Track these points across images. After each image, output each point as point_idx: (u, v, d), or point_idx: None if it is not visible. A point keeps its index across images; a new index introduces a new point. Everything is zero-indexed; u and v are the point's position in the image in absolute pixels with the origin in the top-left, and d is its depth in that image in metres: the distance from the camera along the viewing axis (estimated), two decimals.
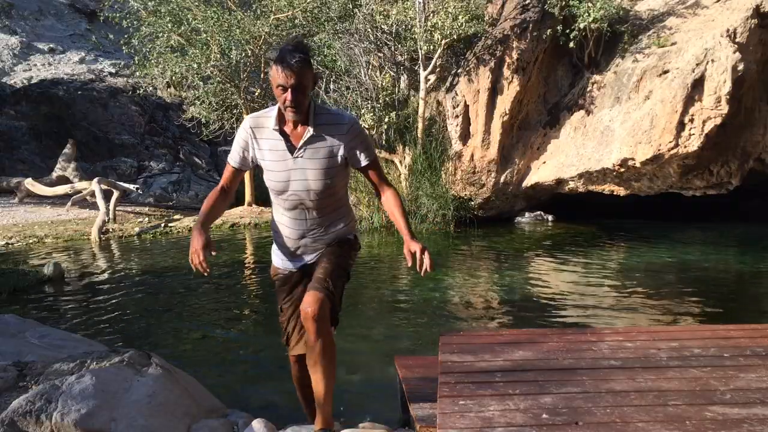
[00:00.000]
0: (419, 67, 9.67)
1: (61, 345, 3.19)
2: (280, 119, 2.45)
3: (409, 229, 2.46)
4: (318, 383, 2.41)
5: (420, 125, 9.71)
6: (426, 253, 2.36)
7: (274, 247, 2.68)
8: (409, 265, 2.36)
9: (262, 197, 12.23)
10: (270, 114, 2.48)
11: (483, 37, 9.37)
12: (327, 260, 2.52)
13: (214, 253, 2.39)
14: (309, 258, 2.60)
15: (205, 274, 2.38)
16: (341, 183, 2.53)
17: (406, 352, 4.08)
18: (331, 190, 2.48)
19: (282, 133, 2.44)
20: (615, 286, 6.03)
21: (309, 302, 2.35)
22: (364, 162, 2.49)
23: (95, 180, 10.57)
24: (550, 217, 9.93)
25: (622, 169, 8.45)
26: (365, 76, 10.20)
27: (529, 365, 2.50)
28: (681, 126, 7.94)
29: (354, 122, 2.48)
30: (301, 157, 2.42)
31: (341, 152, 2.44)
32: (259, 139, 2.47)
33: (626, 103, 8.56)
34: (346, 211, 2.63)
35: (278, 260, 2.67)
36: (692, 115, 7.90)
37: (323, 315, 2.34)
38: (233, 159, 2.54)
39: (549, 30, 9.00)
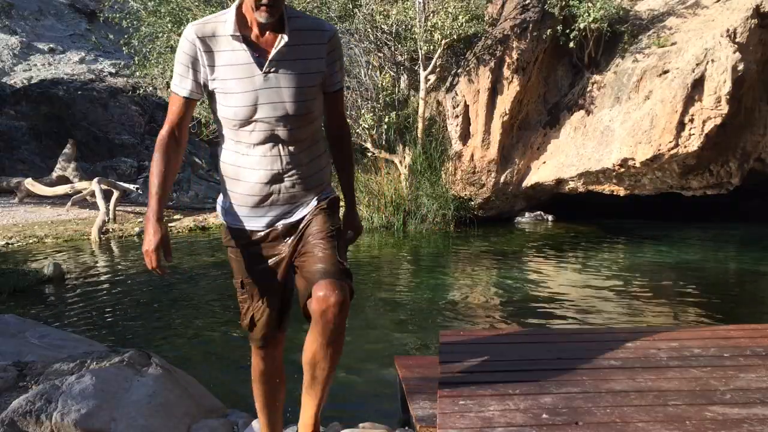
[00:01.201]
0: (419, 67, 9.67)
1: (61, 345, 3.19)
2: (240, 23, 1.88)
3: (353, 196, 2.16)
4: (316, 387, 1.95)
5: (420, 125, 9.71)
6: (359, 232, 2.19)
7: (226, 202, 2.06)
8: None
9: None
10: (223, 18, 1.90)
11: (483, 37, 9.37)
12: (329, 232, 1.99)
13: (168, 263, 1.92)
14: (282, 213, 2.01)
15: (164, 276, 1.95)
16: (318, 108, 2.02)
17: (406, 352, 4.08)
18: (310, 116, 1.97)
19: (246, 40, 1.88)
20: (615, 286, 6.03)
21: (330, 290, 1.82)
22: (337, 85, 2.03)
23: (95, 180, 10.56)
24: (550, 217, 9.92)
25: (622, 169, 8.44)
26: (365, 76, 10.20)
27: (529, 365, 2.50)
28: (681, 126, 7.93)
29: (335, 32, 2.01)
30: (274, 71, 1.88)
31: (320, 67, 1.95)
32: (213, 52, 1.88)
33: (626, 103, 8.56)
34: (325, 146, 2.12)
35: (235, 219, 2.04)
36: (692, 115, 7.90)
37: (345, 309, 1.85)
38: (181, 86, 1.92)
39: (549, 30, 9.00)
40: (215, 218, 10.48)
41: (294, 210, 2.02)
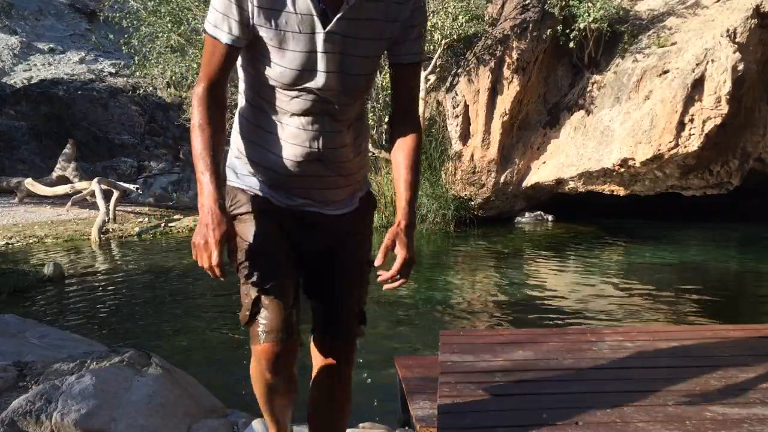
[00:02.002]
0: None
1: (61, 345, 3.19)
2: None
3: (411, 207, 1.58)
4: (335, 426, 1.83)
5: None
6: (409, 268, 1.57)
7: (247, 161, 1.64)
8: (378, 263, 1.55)
9: None
10: None
11: (483, 37, 9.37)
12: (359, 265, 1.71)
13: (231, 263, 1.59)
14: (313, 200, 1.64)
15: (221, 279, 1.49)
16: (373, 81, 1.69)
17: (406, 352, 4.08)
18: (367, 92, 1.63)
19: None
20: (615, 286, 6.03)
21: (346, 354, 1.74)
22: (415, 57, 1.60)
23: (95, 180, 10.56)
24: (550, 217, 9.92)
25: (622, 169, 8.44)
26: None
27: (529, 365, 2.50)
28: (681, 126, 7.94)
29: None
30: (340, 32, 1.47)
31: (393, 31, 1.54)
32: None
33: (626, 103, 8.56)
34: (367, 123, 1.74)
35: (258, 183, 1.64)
36: (692, 115, 7.90)
37: (350, 373, 1.79)
38: (221, 28, 1.47)
39: (549, 30, 9.00)
40: None
41: (328, 197, 1.65)
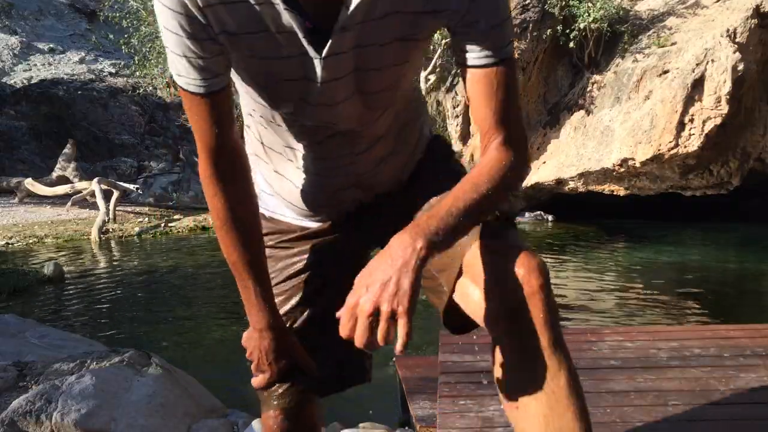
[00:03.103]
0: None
1: (61, 345, 3.19)
2: None
3: (439, 219, 0.94)
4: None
5: None
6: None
7: (262, 179, 1.23)
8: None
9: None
10: None
11: None
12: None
13: (309, 371, 1.19)
14: (353, 204, 1.21)
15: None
16: (412, 72, 1.10)
17: (406, 352, 4.07)
18: (406, 87, 1.13)
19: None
20: (615, 286, 6.03)
21: (531, 267, 1.02)
22: (488, 58, 1.01)
23: (95, 180, 10.57)
24: (550, 217, 9.92)
25: (622, 169, 8.45)
26: None
27: None
28: (681, 126, 7.94)
29: None
30: (342, 51, 0.96)
31: (434, 27, 1.02)
32: (224, 3, 0.91)
33: (626, 103, 8.56)
34: (418, 94, 1.26)
35: (280, 207, 1.23)
36: (692, 115, 7.91)
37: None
38: (191, 76, 0.97)
39: (549, 30, 9.00)
40: None
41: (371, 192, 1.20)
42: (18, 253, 8.10)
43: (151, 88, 13.98)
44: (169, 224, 10.01)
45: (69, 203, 10.85)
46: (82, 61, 17.27)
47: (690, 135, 7.95)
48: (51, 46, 17.42)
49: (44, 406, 2.27)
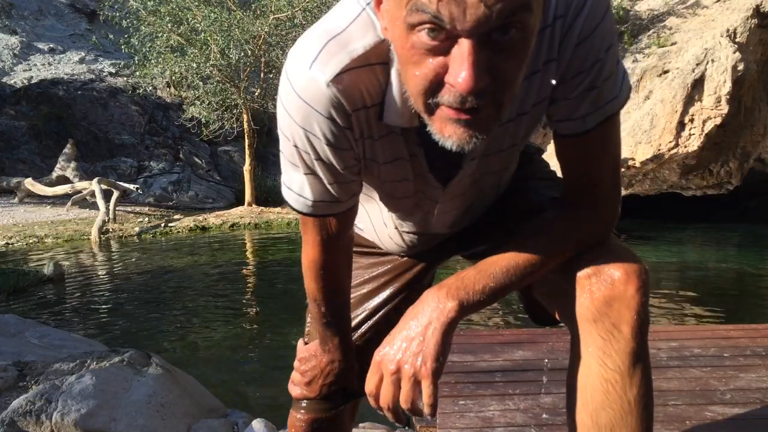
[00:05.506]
0: None
1: (61, 345, 3.19)
2: (404, 103, 0.80)
3: (478, 287, 0.92)
4: None
5: None
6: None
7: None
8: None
9: (262, 197, 12.24)
10: (369, 79, 0.82)
11: None
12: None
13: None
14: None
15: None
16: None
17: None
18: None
19: (412, 133, 0.88)
20: None
21: (630, 270, 0.90)
22: (584, 123, 0.95)
23: (95, 180, 10.57)
24: None
25: (622, 169, 8.45)
26: None
27: (529, 365, 2.50)
28: (681, 126, 7.94)
29: (591, 17, 0.82)
30: (464, 176, 0.99)
31: (545, 106, 0.97)
32: (370, 139, 0.89)
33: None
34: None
35: (376, 237, 1.21)
36: (692, 115, 7.91)
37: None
38: (329, 199, 0.94)
39: None
40: (215, 218, 10.48)
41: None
42: (18, 253, 8.10)
43: (151, 88, 13.98)
44: (169, 224, 10.01)
45: (69, 203, 10.85)
46: (82, 61, 17.27)
47: (690, 135, 7.95)
48: (51, 46, 17.42)
49: (44, 406, 2.27)
